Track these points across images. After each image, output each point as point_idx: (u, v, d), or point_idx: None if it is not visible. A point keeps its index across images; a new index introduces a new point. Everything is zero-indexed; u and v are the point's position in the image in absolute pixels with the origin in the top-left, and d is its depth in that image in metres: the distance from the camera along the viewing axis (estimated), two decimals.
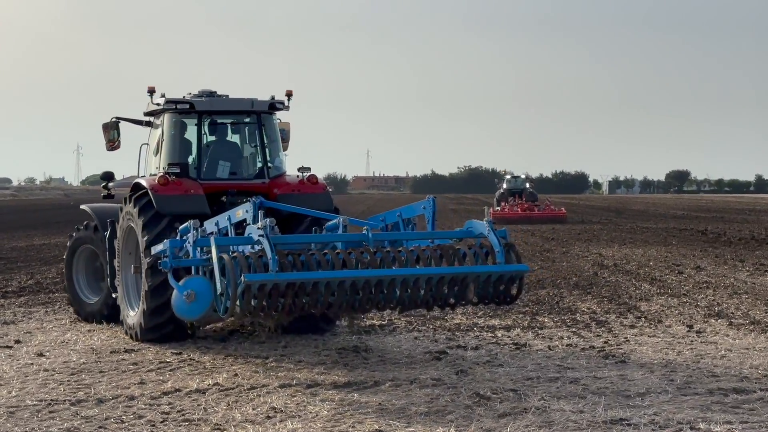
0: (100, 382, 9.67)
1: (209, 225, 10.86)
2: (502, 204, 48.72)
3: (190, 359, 10.89)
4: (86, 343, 12.08)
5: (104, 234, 13.40)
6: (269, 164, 12.83)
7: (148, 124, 13.50)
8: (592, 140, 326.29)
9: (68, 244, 14.59)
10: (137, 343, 11.94)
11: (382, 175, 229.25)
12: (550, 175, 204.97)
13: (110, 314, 13.44)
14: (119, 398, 8.91)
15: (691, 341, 12.11)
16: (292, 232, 11.72)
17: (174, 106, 12.61)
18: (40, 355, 11.17)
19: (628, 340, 12.15)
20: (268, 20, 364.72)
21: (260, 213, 10.12)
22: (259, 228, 9.78)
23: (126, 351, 11.39)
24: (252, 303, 9.49)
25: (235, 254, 9.82)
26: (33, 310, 15.13)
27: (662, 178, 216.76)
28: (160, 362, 10.69)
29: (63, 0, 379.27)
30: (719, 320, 13.79)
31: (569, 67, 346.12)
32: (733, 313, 14.45)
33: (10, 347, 11.72)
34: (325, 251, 10.13)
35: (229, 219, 10.78)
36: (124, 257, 12.64)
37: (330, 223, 11.25)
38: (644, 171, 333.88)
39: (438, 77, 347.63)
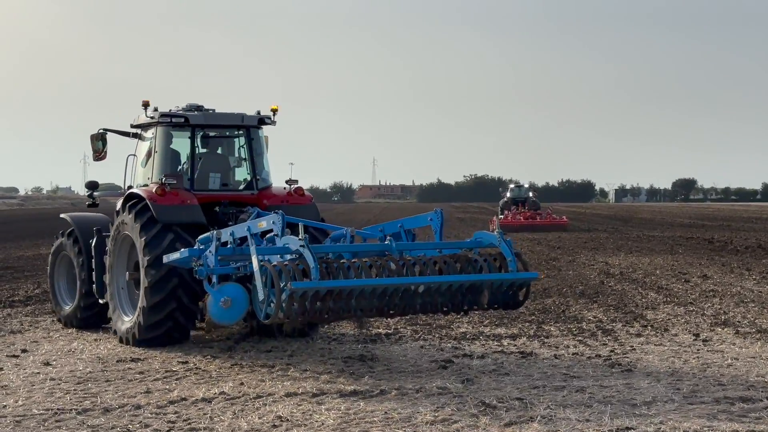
0: (106, 391, 9.69)
1: (224, 234, 11.19)
2: (506, 212, 49.65)
3: (196, 368, 10.90)
4: (92, 352, 12.11)
5: (90, 241, 13.79)
6: (257, 176, 13.32)
7: (136, 135, 13.92)
8: (598, 149, 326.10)
9: (51, 251, 15.14)
10: (143, 352, 11.97)
11: (388, 183, 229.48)
12: (556, 184, 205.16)
13: (82, 320, 13.98)
14: (125, 407, 8.93)
15: (698, 350, 12.09)
16: None
17: (169, 120, 13.01)
18: (47, 364, 11.20)
19: (634, 349, 12.14)
20: (272, 27, 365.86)
21: (301, 226, 10.52)
22: (300, 239, 10.25)
23: (132, 360, 11.41)
24: (293, 308, 10.01)
25: (275, 263, 10.29)
26: (40, 319, 15.17)
27: (669, 186, 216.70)
28: (167, 371, 10.71)
29: (69, 9, 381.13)
30: (726, 329, 13.77)
31: (575, 76, 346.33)
32: (739, 322, 14.43)
33: (17, 356, 11.76)
34: (354, 260, 10.65)
35: (249, 229, 11.07)
36: (117, 264, 12.92)
37: (335, 233, 11.83)
38: (650, 179, 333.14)
39: (444, 86, 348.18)
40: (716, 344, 12.51)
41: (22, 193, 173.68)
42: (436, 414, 8.58)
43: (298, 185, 13.21)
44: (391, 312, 10.71)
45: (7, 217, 69.70)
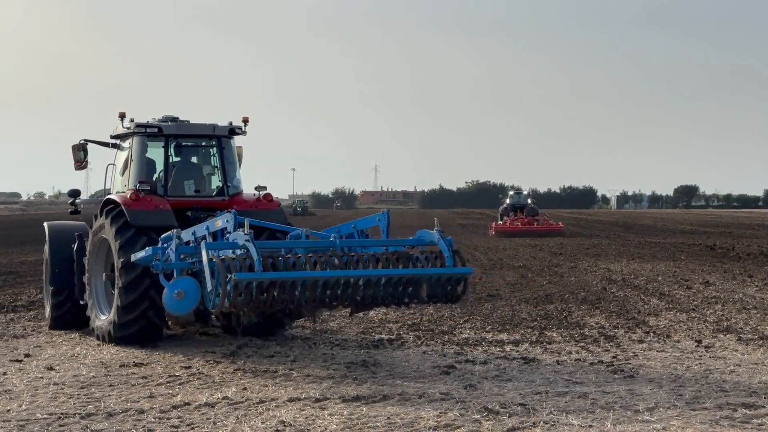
0: (109, 395, 9.70)
1: (186, 234, 11.97)
2: (504, 218, 51.12)
3: (199, 373, 10.93)
4: (96, 356, 12.12)
5: (61, 247, 14.60)
6: (228, 183, 14.12)
7: (115, 146, 14.75)
8: (600, 155, 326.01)
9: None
10: (146, 356, 12.01)
11: (390, 189, 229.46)
12: (558, 190, 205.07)
13: (53, 321, 14.59)
14: (129, 412, 8.94)
15: (700, 356, 12.10)
16: None
17: (144, 130, 13.81)
18: (50, 368, 11.22)
19: (636, 355, 12.14)
20: (274, 33, 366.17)
21: (246, 222, 11.18)
22: (245, 234, 10.99)
23: (135, 365, 11.43)
24: (239, 299, 10.68)
25: (223, 257, 11.00)
26: (42, 324, 15.18)
27: (670, 192, 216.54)
28: (170, 376, 10.73)
29: (75, 15, 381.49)
30: (728, 335, 13.78)
31: (577, 82, 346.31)
32: (741, 328, 14.43)
33: (20, 361, 11.77)
34: (299, 255, 11.33)
35: (208, 228, 11.96)
36: (95, 266, 13.69)
37: (293, 233, 12.59)
38: (652, 186, 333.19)
39: (446, 91, 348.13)
40: (718, 350, 12.51)
41: (24, 198, 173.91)
42: (439, 419, 8.57)
43: (267, 192, 13.97)
44: (333, 303, 11.38)
45: (10, 222, 69.78)
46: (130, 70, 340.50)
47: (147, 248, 11.96)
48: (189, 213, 13.69)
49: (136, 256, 12.19)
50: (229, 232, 11.56)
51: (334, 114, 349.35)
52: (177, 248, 11.53)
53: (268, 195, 13.93)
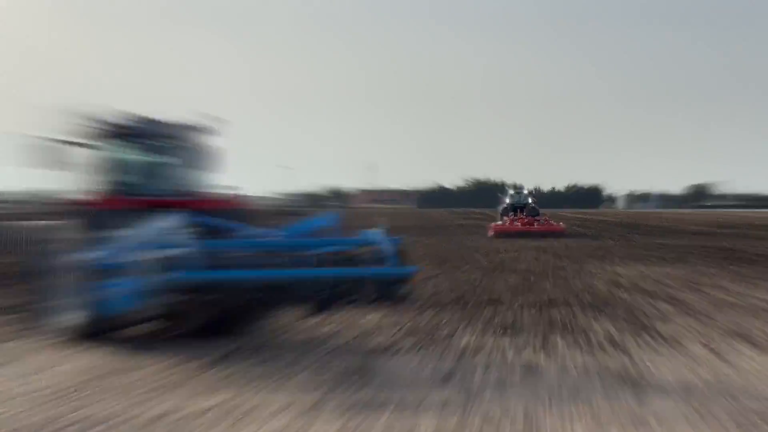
0: (98, 401, 9.44)
1: (136, 233, 12.25)
2: (504, 218, 51.07)
3: (190, 378, 10.66)
4: (84, 362, 11.88)
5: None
6: (198, 183, 14.52)
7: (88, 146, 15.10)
8: (607, 152, 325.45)
9: None
10: (135, 363, 11.77)
11: (387, 188, 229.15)
12: (563, 189, 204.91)
13: (37, 324, 14.69)
14: (117, 418, 8.68)
15: (711, 362, 11.81)
16: None
17: (114, 130, 14.13)
18: (37, 373, 10.97)
19: (644, 362, 11.85)
20: (270, 30, 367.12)
21: (190, 221, 11.88)
22: (188, 233, 11.53)
23: (124, 370, 11.19)
24: (180, 297, 11.09)
25: (165, 255, 11.38)
26: (30, 328, 14.90)
27: (680, 192, 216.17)
28: (159, 381, 10.48)
29: (76, 17, 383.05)
30: (740, 341, 13.49)
31: (583, 78, 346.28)
32: (754, 334, 14.15)
33: (6, 366, 11.51)
34: (244, 254, 11.79)
35: (158, 227, 12.26)
36: (62, 267, 13.87)
37: (246, 232, 13.12)
38: (661, 184, 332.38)
39: (445, 89, 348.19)
40: (730, 357, 12.22)
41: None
42: (437, 428, 8.32)
43: (236, 191, 14.50)
44: (279, 304, 12.04)
45: None
46: (133, 70, 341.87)
47: (100, 247, 12.30)
48: (155, 213, 13.85)
49: (93, 254, 12.48)
50: (177, 232, 11.89)
51: (330, 112, 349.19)
52: (125, 247, 11.91)
53: (237, 195, 14.36)
